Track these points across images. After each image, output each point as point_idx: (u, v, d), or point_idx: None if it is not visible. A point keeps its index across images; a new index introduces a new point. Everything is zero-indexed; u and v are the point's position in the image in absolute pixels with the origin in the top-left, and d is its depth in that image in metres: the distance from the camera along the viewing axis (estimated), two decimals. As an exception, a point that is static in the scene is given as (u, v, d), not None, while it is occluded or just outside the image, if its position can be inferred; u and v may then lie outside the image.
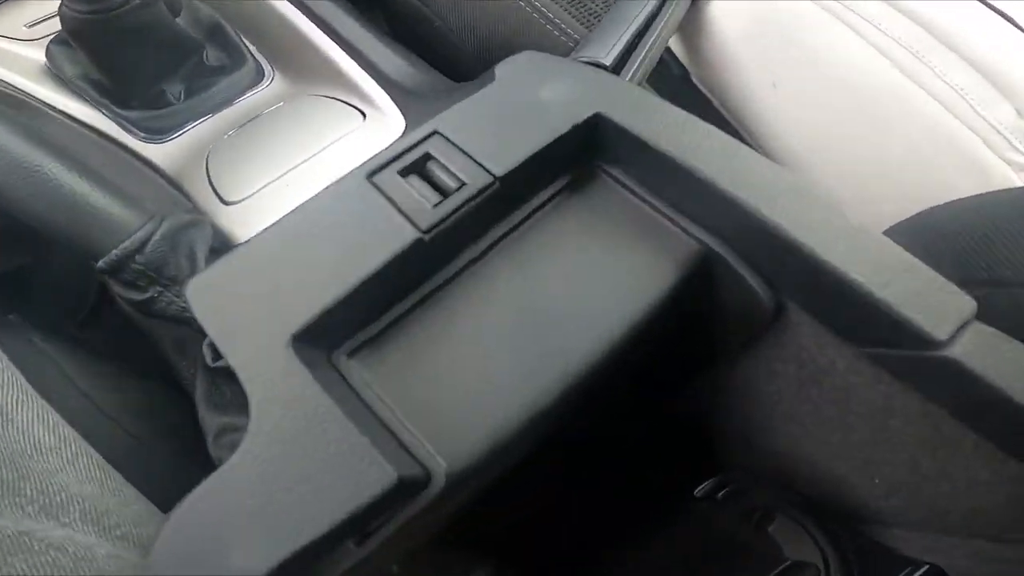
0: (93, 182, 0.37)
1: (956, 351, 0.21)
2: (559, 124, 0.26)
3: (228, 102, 0.53)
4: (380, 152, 0.26)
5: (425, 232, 0.24)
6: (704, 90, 0.60)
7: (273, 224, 0.25)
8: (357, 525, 0.19)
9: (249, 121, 0.51)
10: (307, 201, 0.25)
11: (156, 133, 0.53)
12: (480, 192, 0.25)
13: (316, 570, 0.20)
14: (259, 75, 0.55)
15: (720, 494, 0.32)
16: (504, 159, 0.25)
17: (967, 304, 0.21)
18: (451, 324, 0.25)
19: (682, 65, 0.59)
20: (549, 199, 0.28)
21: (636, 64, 0.45)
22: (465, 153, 0.26)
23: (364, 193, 0.25)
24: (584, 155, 0.28)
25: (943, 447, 0.24)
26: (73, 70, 0.53)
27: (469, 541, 0.34)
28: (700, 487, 0.32)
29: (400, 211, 0.24)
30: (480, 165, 0.25)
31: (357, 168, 0.26)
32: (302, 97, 0.53)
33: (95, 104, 0.54)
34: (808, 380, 0.28)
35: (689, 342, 0.31)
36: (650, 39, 0.46)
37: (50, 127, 0.52)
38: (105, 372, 0.48)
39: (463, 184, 0.25)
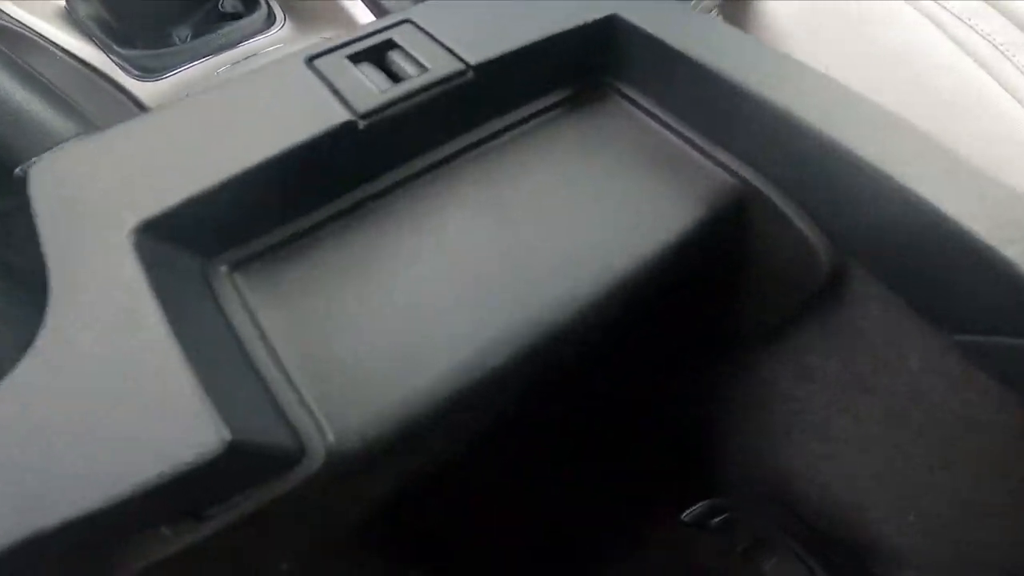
0: (37, 92, 0.33)
1: None
2: (563, 20, 0.20)
3: (231, 45, 0.51)
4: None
5: (362, 116, 0.18)
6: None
7: (172, 103, 0.19)
8: (160, 499, 0.12)
9: (243, 60, 0.48)
10: (226, 80, 0.19)
11: (151, 72, 0.51)
12: (445, 80, 0.19)
13: (118, 544, 0.14)
14: (270, 21, 0.53)
15: (713, 522, 0.25)
16: (484, 48, 0.19)
17: None
18: (384, 246, 0.18)
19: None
20: (542, 112, 0.21)
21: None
22: (437, 41, 0.20)
23: (298, 75, 0.19)
24: (593, 67, 0.22)
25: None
26: (87, 10, 0.53)
27: (402, 544, 0.26)
28: (689, 510, 0.25)
29: (335, 92, 0.18)
30: (451, 52, 0.19)
31: (299, 51, 0.20)
32: (307, 40, 0.50)
33: (100, 44, 0.52)
34: (855, 383, 0.21)
35: (710, 311, 0.24)
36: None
37: (41, 58, 0.50)
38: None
39: (425, 70, 0.19)
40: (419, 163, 0.19)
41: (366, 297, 0.17)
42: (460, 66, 0.19)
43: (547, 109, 0.21)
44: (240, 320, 0.16)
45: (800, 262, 0.19)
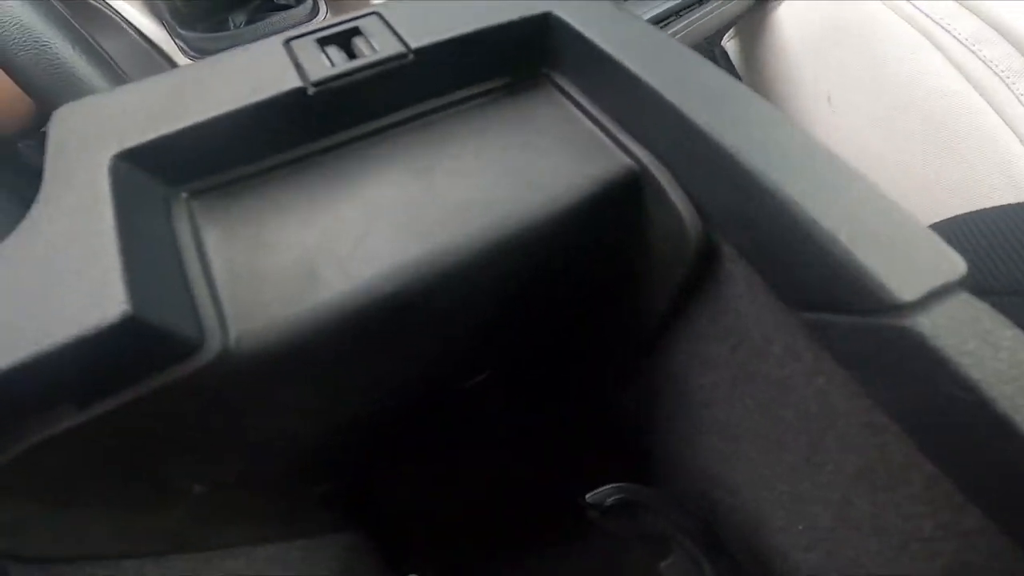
0: (88, 56, 0.38)
1: (923, 322, 0.14)
2: (503, 14, 0.23)
3: (277, 33, 0.56)
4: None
5: (313, 84, 0.21)
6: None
7: (178, 68, 0.23)
8: (56, 366, 0.15)
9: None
10: (221, 54, 0.24)
11: (205, 54, 0.56)
12: (386, 60, 0.22)
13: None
14: (314, 13, 0.58)
15: (610, 500, 0.26)
16: (427, 36, 0.23)
17: (956, 266, 0.15)
18: (316, 191, 0.22)
19: (736, 73, 0.55)
20: (479, 95, 0.25)
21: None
22: (392, 29, 0.23)
23: (273, 52, 0.23)
24: (530, 58, 0.25)
25: (884, 481, 0.18)
26: (159, -12, 0.58)
27: (301, 482, 0.29)
28: (593, 492, 0.27)
29: (297, 65, 0.22)
30: (400, 38, 0.23)
31: (283, 34, 0.24)
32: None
33: (166, 25, 0.58)
34: (740, 370, 0.22)
35: (603, 286, 0.26)
36: (687, 19, 0.42)
37: (111, 32, 0.56)
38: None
39: (375, 52, 0.22)
40: (359, 130, 0.23)
41: (293, 228, 0.21)
42: (402, 49, 0.22)
43: (484, 93, 0.25)
44: (184, 234, 0.20)
45: (677, 235, 0.21)
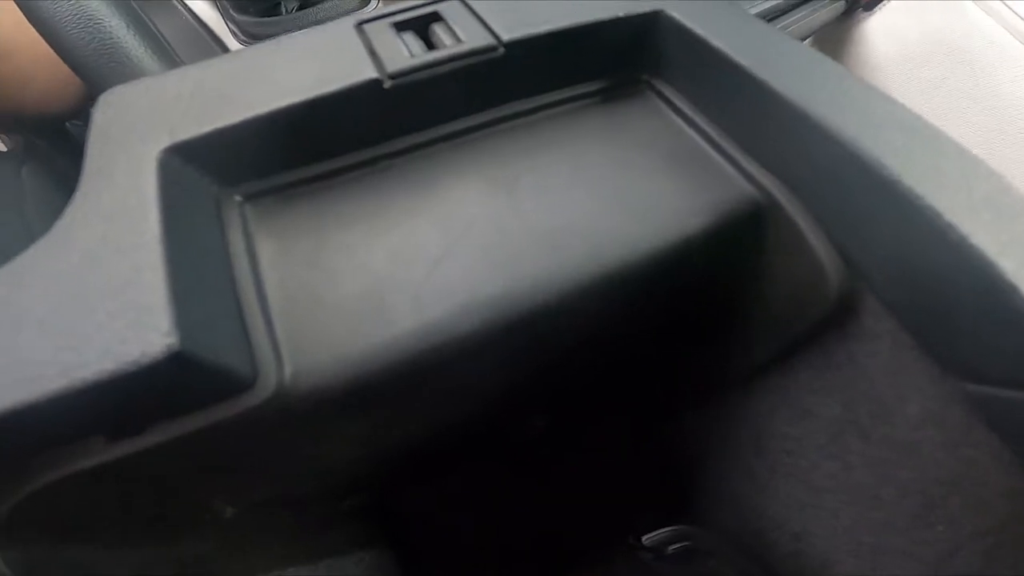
0: (142, 37, 0.36)
1: None
2: (606, 11, 0.20)
3: (329, 19, 0.54)
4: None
5: (390, 76, 0.19)
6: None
7: (235, 52, 0.21)
8: (88, 401, 0.13)
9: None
10: (284, 37, 0.21)
11: (256, 39, 0.55)
12: (474, 52, 0.19)
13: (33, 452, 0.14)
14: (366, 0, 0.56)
15: (671, 548, 0.23)
16: (520, 28, 0.20)
17: None
18: (387, 203, 0.19)
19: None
20: (571, 99, 0.22)
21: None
22: (478, 17, 0.20)
23: (345, 36, 0.20)
24: (632, 61, 0.22)
25: (1011, 540, 0.16)
26: (215, -29, 0.57)
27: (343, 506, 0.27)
28: (651, 535, 0.24)
29: (372, 53, 0.19)
30: (488, 28, 0.20)
31: (355, 15, 0.21)
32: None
33: (220, 8, 0.57)
34: (852, 427, 0.19)
35: (708, 329, 0.23)
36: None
37: (166, 14, 0.55)
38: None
39: (459, 43, 0.20)
40: (438, 131, 0.20)
41: (358, 247, 0.18)
42: (492, 41, 0.19)
43: (577, 97, 0.22)
44: (237, 245, 0.17)
45: (810, 285, 0.18)
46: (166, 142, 0.17)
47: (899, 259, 0.15)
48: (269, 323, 0.16)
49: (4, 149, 0.55)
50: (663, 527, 0.29)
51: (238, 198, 0.18)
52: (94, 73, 0.33)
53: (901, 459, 0.18)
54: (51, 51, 0.44)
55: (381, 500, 0.33)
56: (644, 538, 0.26)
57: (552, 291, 0.17)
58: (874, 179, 0.15)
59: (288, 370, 0.15)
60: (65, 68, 0.43)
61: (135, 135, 0.17)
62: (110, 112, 0.18)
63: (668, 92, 0.22)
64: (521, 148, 0.20)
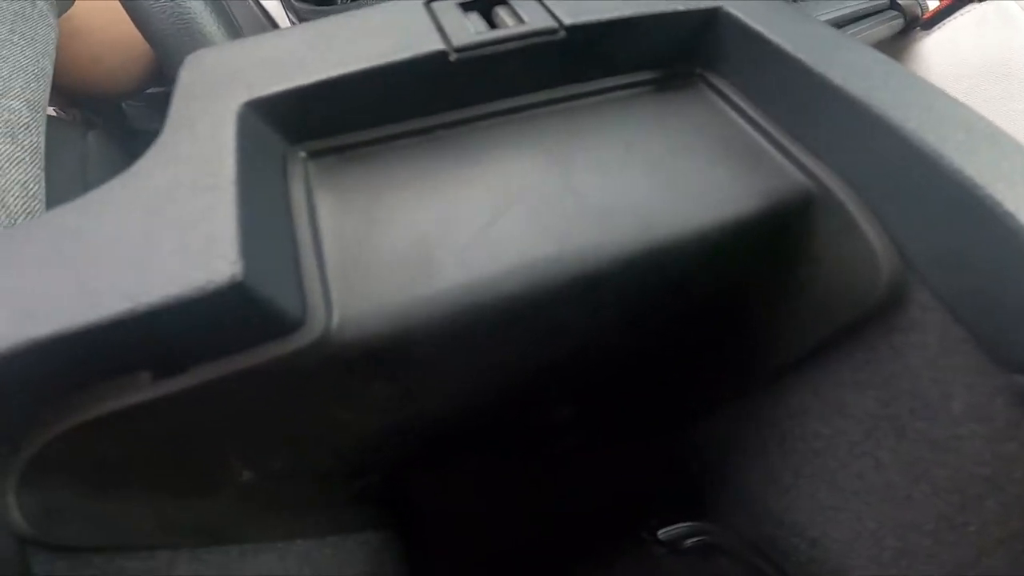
0: (216, 15, 0.38)
1: None
2: (666, 4, 0.21)
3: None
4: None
5: (455, 50, 0.19)
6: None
7: (309, 22, 0.22)
8: (146, 329, 0.13)
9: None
10: (357, 11, 0.22)
11: None
12: (536, 33, 0.20)
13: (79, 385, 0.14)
14: None
15: (688, 542, 0.23)
16: (582, 14, 0.20)
17: None
18: (444, 168, 0.20)
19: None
20: (626, 86, 0.22)
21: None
22: (541, 1, 0.21)
23: (413, 12, 0.21)
24: (688, 54, 0.22)
25: None
26: (279, -41, 0.59)
27: (369, 486, 0.27)
28: (666, 529, 0.24)
29: (439, 28, 0.20)
30: (550, 12, 0.21)
31: None
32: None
33: None
34: (889, 425, 0.19)
35: (749, 317, 0.23)
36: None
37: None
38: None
39: (522, 23, 0.20)
40: (497, 106, 0.21)
41: (411, 206, 0.19)
42: (553, 24, 0.20)
43: (632, 85, 0.22)
44: (298, 198, 0.18)
45: (859, 274, 0.18)
46: (245, 98, 0.18)
47: (956, 250, 0.16)
48: (322, 270, 0.17)
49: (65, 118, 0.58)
50: (678, 523, 0.29)
51: (302, 154, 0.19)
52: (168, 44, 0.35)
53: (939, 456, 0.18)
54: (121, 34, 0.46)
55: (393, 484, 0.33)
56: (660, 532, 0.26)
57: (601, 260, 0.17)
58: (935, 170, 0.15)
59: (335, 317, 0.16)
60: (130, 51, 0.45)
61: (217, 91, 0.18)
62: (195, 71, 0.19)
63: (722, 86, 0.22)
64: (576, 128, 0.21)
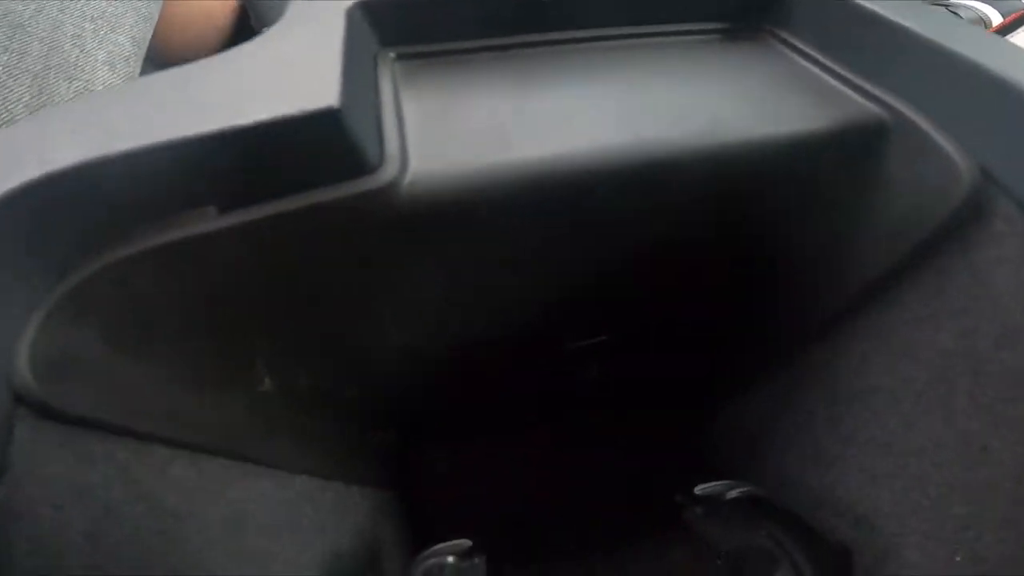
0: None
1: None
2: None
3: None
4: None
5: None
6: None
7: None
8: (246, 147, 0.14)
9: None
10: None
11: None
12: None
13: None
14: None
15: (730, 493, 0.22)
16: None
17: None
18: (520, 76, 0.21)
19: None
20: (702, 32, 0.23)
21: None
22: None
23: None
24: (755, 8, 0.24)
25: None
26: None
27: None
28: (705, 485, 0.23)
29: None
30: None
31: None
32: None
33: None
34: (967, 362, 0.18)
35: (811, 242, 0.23)
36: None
37: None
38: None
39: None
40: (579, 33, 0.23)
41: (491, 101, 0.20)
42: None
43: (705, 31, 0.23)
44: (385, 87, 0.20)
45: (934, 189, 0.18)
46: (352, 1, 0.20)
47: None
48: (402, 132, 0.18)
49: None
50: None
51: (392, 55, 0.21)
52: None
53: (1018, 392, 0.17)
54: (206, 6, 0.49)
55: (407, 447, 0.33)
56: (698, 488, 0.25)
57: (673, 149, 0.18)
58: (1015, 94, 0.16)
59: (411, 167, 0.17)
60: (210, 25, 0.48)
61: None
62: None
63: (792, 39, 0.23)
64: (652, 59, 0.22)
